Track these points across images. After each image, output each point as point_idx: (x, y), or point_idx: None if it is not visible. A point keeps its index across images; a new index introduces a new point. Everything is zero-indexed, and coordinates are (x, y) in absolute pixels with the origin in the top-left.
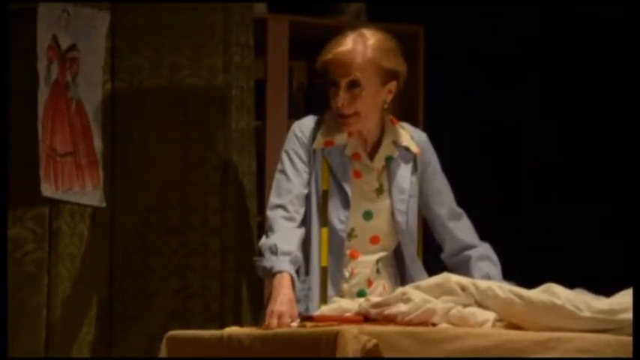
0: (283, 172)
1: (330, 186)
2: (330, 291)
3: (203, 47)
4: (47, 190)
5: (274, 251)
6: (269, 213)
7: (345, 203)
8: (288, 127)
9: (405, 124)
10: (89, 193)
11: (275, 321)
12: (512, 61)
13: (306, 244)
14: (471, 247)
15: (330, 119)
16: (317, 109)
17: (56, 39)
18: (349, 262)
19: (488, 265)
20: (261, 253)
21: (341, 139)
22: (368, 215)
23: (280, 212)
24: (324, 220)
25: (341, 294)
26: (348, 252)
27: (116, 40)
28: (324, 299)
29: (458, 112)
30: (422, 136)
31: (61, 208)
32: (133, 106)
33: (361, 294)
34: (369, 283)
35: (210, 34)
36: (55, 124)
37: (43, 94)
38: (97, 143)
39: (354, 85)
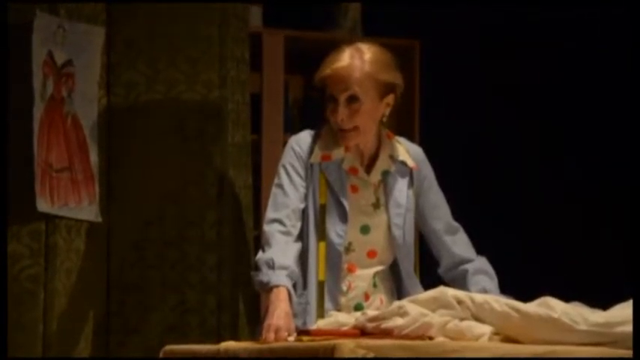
0: (280, 186)
1: (327, 200)
2: (328, 305)
3: (199, 62)
4: (43, 205)
5: (271, 266)
6: (265, 227)
7: (343, 217)
8: (284, 141)
9: (401, 139)
10: (85, 209)
11: (272, 335)
12: (508, 74)
13: (303, 258)
14: (467, 261)
15: (327, 133)
16: (313, 123)
17: (52, 54)
18: (347, 276)
19: (485, 279)
20: (258, 268)
21: (338, 153)
22: (365, 229)
23: (277, 226)
24: (322, 235)
25: (338, 307)
26: (345, 266)
27: (112, 55)
28: (321, 313)
29: (453, 125)
30: (418, 150)
31: (58, 223)
32: (129, 122)
33: (358, 307)
34: (366, 296)
35: (206, 49)
36: (51, 139)
37: (38, 110)
38: (93, 158)
39: (352, 99)
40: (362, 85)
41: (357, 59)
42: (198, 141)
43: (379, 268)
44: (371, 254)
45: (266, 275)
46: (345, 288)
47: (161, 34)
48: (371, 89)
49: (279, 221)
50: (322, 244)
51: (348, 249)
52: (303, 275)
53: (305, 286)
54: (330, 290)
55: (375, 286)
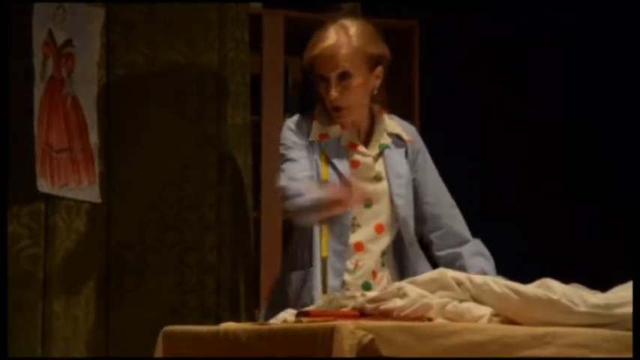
0: (290, 160)
1: (329, 177)
2: (334, 282)
3: (198, 43)
4: (43, 186)
5: (300, 193)
6: (284, 184)
7: None
8: (284, 122)
9: (393, 116)
10: (85, 189)
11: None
12: (508, 56)
13: (308, 236)
14: (464, 240)
15: (321, 113)
16: (312, 103)
17: (52, 35)
18: (353, 254)
19: (483, 261)
20: (290, 205)
21: (335, 130)
22: (368, 204)
23: (294, 182)
24: None
25: (346, 286)
26: (352, 243)
27: (112, 35)
28: (325, 290)
29: (453, 107)
30: (411, 127)
31: (57, 203)
32: (128, 102)
33: (366, 286)
34: (374, 275)
35: (206, 30)
36: (51, 119)
37: (38, 90)
38: (93, 139)
39: (344, 76)
40: (351, 60)
41: (343, 35)
42: (198, 122)
43: (386, 244)
44: (378, 228)
45: (302, 199)
46: (351, 266)
47: (161, 15)
48: (361, 63)
49: (296, 180)
50: None
51: (353, 224)
52: (309, 253)
53: (311, 263)
54: (333, 267)
55: (382, 265)
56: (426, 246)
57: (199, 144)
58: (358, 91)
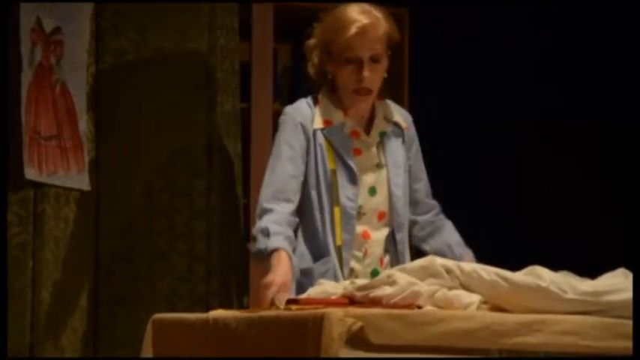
0: (279, 157)
1: (335, 166)
2: (345, 271)
3: (188, 30)
4: (31, 173)
5: (266, 233)
6: (263, 196)
7: (353, 180)
8: (274, 110)
9: (389, 101)
10: (74, 177)
11: (266, 292)
12: (498, 43)
13: (321, 225)
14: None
15: (325, 99)
16: (302, 91)
17: (40, 22)
18: (363, 243)
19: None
20: (253, 238)
21: (339, 117)
22: (373, 191)
23: (275, 195)
24: (336, 200)
25: (355, 274)
26: (360, 232)
27: (101, 23)
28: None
29: (443, 94)
30: (406, 113)
31: (46, 191)
32: (117, 89)
33: (375, 273)
34: (381, 261)
35: (196, 18)
36: (39, 107)
37: (26, 77)
38: (82, 126)
39: (375, 59)
40: (382, 43)
41: (374, 17)
42: (187, 109)
43: (387, 231)
44: (380, 216)
45: (262, 242)
46: (360, 255)
47: (150, 2)
48: (385, 47)
49: (278, 190)
50: (337, 209)
51: (360, 213)
52: (324, 241)
53: (328, 252)
54: (345, 256)
55: (386, 250)
56: (410, 226)
57: (189, 131)
58: (381, 76)
